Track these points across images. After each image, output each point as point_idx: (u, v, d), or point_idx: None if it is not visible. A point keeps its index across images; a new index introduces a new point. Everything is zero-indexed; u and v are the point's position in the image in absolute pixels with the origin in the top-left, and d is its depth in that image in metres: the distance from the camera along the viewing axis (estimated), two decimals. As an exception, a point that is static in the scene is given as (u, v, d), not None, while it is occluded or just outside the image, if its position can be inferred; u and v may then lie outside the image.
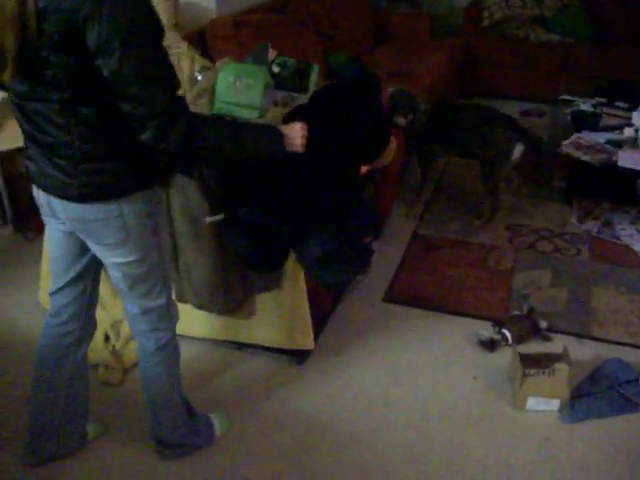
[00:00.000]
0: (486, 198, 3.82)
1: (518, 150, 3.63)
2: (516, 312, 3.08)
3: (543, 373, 2.57)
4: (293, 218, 2.36)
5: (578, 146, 3.84)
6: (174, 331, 2.24)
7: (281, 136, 1.95)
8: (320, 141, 2.13)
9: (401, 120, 3.58)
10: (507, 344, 2.89)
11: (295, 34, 4.24)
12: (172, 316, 2.21)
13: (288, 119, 2.27)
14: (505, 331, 2.90)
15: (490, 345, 2.89)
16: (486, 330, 2.94)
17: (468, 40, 5.83)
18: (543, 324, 2.98)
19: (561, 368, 2.56)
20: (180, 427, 2.35)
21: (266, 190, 2.32)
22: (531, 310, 3.03)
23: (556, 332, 3.01)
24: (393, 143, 2.72)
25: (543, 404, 2.59)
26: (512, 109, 5.42)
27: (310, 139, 2.04)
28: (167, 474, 2.38)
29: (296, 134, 1.99)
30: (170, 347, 2.23)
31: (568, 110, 4.34)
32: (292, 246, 2.45)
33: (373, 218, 2.68)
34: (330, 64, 4.42)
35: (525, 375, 2.57)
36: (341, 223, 2.39)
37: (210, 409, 2.57)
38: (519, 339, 2.90)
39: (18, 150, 3.57)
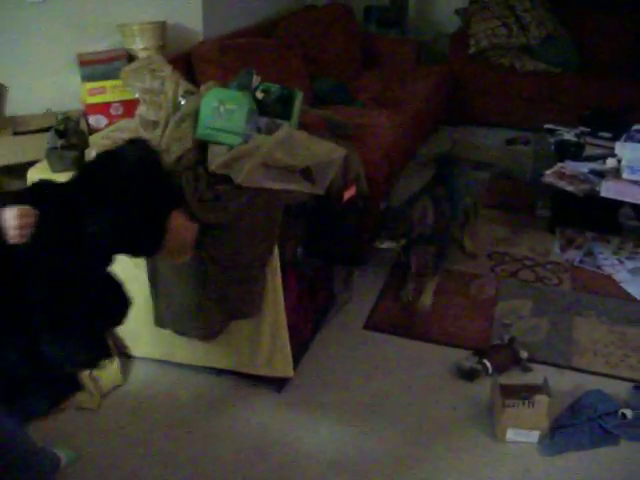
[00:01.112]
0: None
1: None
2: (497, 341, 3.07)
3: (523, 404, 2.56)
4: None
5: (561, 176, 3.85)
6: None
7: None
8: (57, 234, 1.72)
9: (389, 245, 3.18)
10: (487, 374, 2.87)
11: (282, 58, 4.24)
12: None
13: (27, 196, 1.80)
14: (485, 361, 2.88)
15: (470, 375, 2.87)
16: (467, 359, 2.92)
17: (454, 67, 5.87)
18: (524, 354, 2.97)
19: (541, 400, 2.55)
20: None
21: None
22: (512, 340, 3.03)
23: (537, 362, 2.99)
24: (183, 234, 2.03)
25: (523, 435, 2.58)
26: (498, 137, 5.48)
27: (42, 229, 1.67)
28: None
29: (10, 223, 1.64)
30: None
31: (552, 139, 4.36)
32: None
33: (97, 353, 1.90)
34: (316, 89, 4.43)
35: (505, 406, 2.55)
36: (30, 341, 1.75)
37: (184, 437, 2.54)
38: (499, 369, 2.88)
39: (2, 168, 3.57)
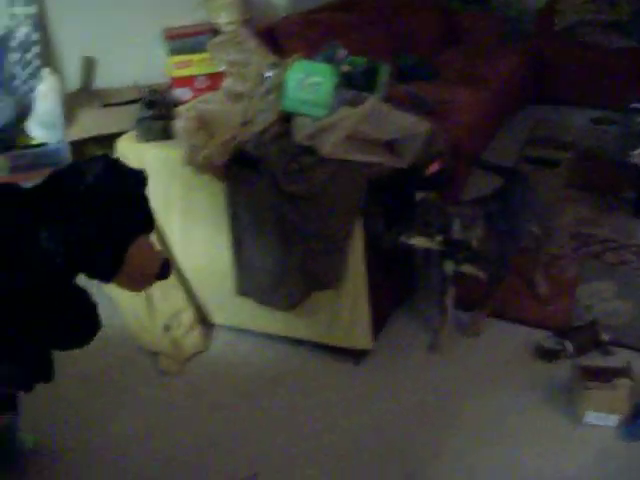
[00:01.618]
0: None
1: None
2: (579, 323, 3.01)
3: (604, 388, 2.51)
4: None
5: (649, 156, 3.74)
6: None
7: None
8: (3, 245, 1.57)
9: (422, 242, 2.69)
10: (567, 356, 2.82)
11: (365, 33, 4.23)
12: None
13: None
14: (566, 342, 2.84)
15: (549, 355, 2.83)
16: (547, 340, 2.88)
17: (539, 44, 5.72)
18: (605, 337, 2.91)
19: (623, 384, 2.49)
20: None
21: None
22: (594, 322, 2.97)
23: (618, 346, 2.93)
24: (145, 264, 1.78)
25: (602, 419, 2.53)
26: (583, 116, 5.33)
27: None
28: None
29: None
30: None
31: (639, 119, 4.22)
32: None
33: (33, 375, 1.79)
34: (399, 65, 4.39)
35: (586, 388, 2.52)
36: None
37: (267, 403, 2.59)
38: (580, 351, 2.83)
39: (89, 140, 3.67)
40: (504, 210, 2.87)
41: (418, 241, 2.66)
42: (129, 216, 1.69)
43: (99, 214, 1.61)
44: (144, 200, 1.74)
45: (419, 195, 2.74)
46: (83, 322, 1.73)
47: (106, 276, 1.69)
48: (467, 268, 2.82)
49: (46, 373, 1.78)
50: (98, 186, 1.63)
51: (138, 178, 1.74)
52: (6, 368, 1.66)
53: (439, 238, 2.64)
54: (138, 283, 1.80)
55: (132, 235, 1.68)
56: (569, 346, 2.83)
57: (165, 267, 1.82)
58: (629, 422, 2.51)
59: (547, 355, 2.84)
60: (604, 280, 3.38)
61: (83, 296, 1.72)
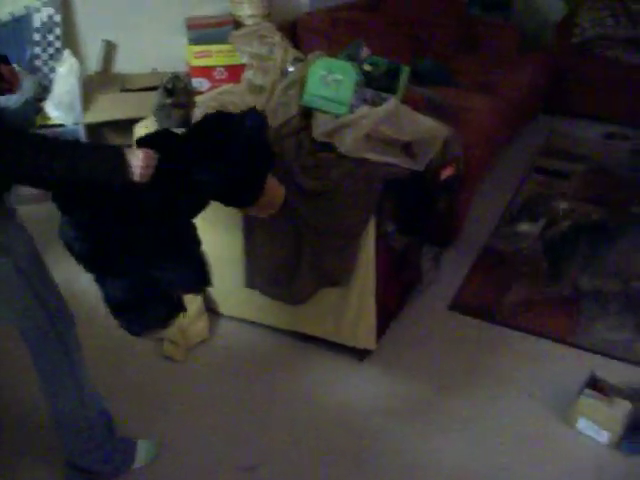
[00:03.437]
0: None
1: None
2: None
3: (601, 400, 2.53)
4: (96, 248, 1.99)
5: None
6: (67, 351, 2.09)
7: (122, 162, 1.80)
8: (170, 177, 1.92)
9: (528, 228, 3.26)
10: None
11: (387, 34, 4.24)
12: (62, 333, 2.05)
13: (148, 142, 2.00)
14: None
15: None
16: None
17: (556, 56, 5.73)
18: None
19: (622, 404, 2.50)
20: (91, 451, 2.23)
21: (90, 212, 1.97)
22: None
23: (617, 359, 2.93)
24: (274, 194, 2.29)
25: (593, 430, 2.54)
26: (596, 130, 5.34)
27: (160, 171, 1.87)
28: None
29: (136, 163, 1.81)
30: (64, 367, 2.10)
31: (654, 136, 4.25)
32: (96, 281, 2.07)
33: (200, 279, 2.16)
34: (416, 68, 4.41)
35: (582, 394, 2.55)
36: (146, 268, 2.02)
37: (269, 396, 2.61)
38: None
39: (106, 124, 3.69)
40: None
41: (526, 228, 3.29)
42: (268, 157, 2.15)
43: (251, 156, 2.04)
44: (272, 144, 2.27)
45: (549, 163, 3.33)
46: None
47: (247, 204, 2.19)
48: None
49: (208, 278, 2.15)
50: (254, 133, 2.07)
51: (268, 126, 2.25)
52: (186, 272, 2.08)
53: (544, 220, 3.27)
54: (267, 209, 2.29)
55: (267, 171, 2.15)
56: None
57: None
58: (629, 436, 2.52)
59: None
60: (609, 294, 3.39)
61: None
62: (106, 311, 2.05)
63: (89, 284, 2.08)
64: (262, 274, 2.74)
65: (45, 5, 3.60)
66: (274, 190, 2.25)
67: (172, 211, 1.97)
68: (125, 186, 1.83)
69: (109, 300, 2.05)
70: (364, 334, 2.74)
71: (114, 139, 3.84)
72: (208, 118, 2.13)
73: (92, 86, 3.72)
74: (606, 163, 4.85)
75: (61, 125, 3.50)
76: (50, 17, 3.64)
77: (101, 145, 2.13)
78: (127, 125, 3.06)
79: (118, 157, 1.80)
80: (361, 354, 2.84)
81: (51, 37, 3.65)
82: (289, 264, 2.61)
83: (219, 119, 2.10)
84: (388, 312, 2.98)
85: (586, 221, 3.46)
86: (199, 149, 1.99)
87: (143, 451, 2.39)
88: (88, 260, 1.99)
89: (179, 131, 2.18)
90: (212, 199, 2.09)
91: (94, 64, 3.91)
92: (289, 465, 2.41)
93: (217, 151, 1.98)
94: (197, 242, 2.12)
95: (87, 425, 2.18)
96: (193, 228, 2.11)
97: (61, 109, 3.51)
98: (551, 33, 6.05)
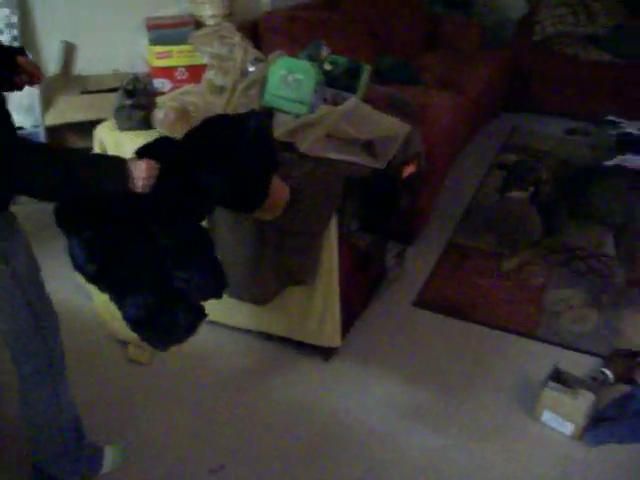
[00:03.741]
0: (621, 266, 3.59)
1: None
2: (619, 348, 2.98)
3: (565, 392, 2.56)
4: (110, 266, 1.99)
5: (621, 168, 3.81)
6: (51, 356, 2.06)
7: (124, 172, 1.79)
8: (172, 187, 1.91)
9: (518, 194, 3.46)
10: (609, 384, 2.78)
11: (347, 33, 4.25)
12: (46, 338, 2.02)
13: (147, 152, 1.98)
14: (605, 370, 2.80)
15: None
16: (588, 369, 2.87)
17: (518, 53, 5.79)
18: None
19: (585, 395, 2.54)
20: (61, 457, 2.21)
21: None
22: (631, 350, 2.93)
23: (582, 352, 2.99)
24: (279, 195, 2.27)
25: (558, 422, 2.58)
26: (558, 126, 5.40)
27: (161, 181, 1.86)
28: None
29: (139, 174, 1.81)
30: (46, 372, 2.07)
31: (614, 132, 4.30)
32: (114, 301, 2.09)
33: (220, 283, 2.18)
34: (379, 66, 4.43)
35: (546, 386, 2.58)
36: (164, 279, 2.02)
37: (235, 396, 2.60)
38: (622, 377, 2.79)
39: (66, 126, 3.65)
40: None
41: (517, 194, 3.43)
42: (272, 159, 2.15)
43: (254, 159, 2.03)
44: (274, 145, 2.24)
45: (510, 158, 3.71)
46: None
47: (254, 207, 2.16)
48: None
49: (225, 281, 2.17)
50: (256, 137, 2.05)
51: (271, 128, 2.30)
52: (205, 278, 2.08)
53: (532, 188, 3.39)
54: (273, 211, 2.26)
55: (272, 173, 2.14)
56: (609, 373, 2.80)
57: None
58: (592, 427, 2.56)
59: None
60: (572, 287, 3.44)
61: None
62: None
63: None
64: (227, 276, 2.73)
65: (0, 6, 3.55)
66: (279, 191, 2.25)
67: (180, 218, 1.97)
68: (127, 198, 1.83)
69: (128, 318, 2.05)
70: (329, 333, 2.74)
71: (75, 141, 3.80)
72: (208, 122, 2.11)
73: (52, 88, 3.67)
74: (567, 158, 4.90)
75: (20, 128, 3.46)
76: (6, 18, 3.58)
77: (103, 156, 2.12)
78: (88, 127, 3.03)
79: (120, 168, 1.80)
80: (327, 353, 2.85)
81: (8, 38, 3.59)
82: (252, 264, 2.60)
83: (220, 123, 2.09)
84: (353, 310, 2.99)
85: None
86: (203, 154, 1.98)
87: (110, 457, 2.37)
88: (100, 279, 2.00)
89: (158, 135, 2.18)
90: (218, 204, 2.11)
91: (54, 66, 3.86)
92: (255, 465, 2.40)
93: (222, 155, 1.98)
94: (211, 245, 2.13)
95: (60, 431, 2.16)
96: (204, 231, 2.14)
97: (20, 112, 3.47)
98: (512, 30, 6.11)
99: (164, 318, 2.03)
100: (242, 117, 2.11)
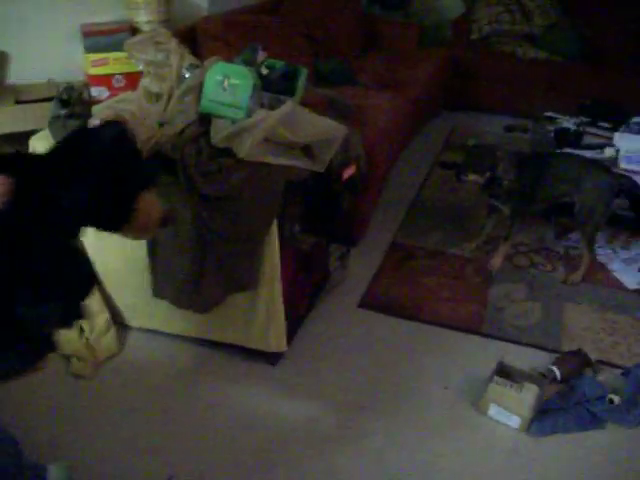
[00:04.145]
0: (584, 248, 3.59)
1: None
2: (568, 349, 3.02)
3: (510, 386, 2.60)
4: None
5: (559, 163, 3.87)
6: None
7: None
8: (29, 204, 1.72)
9: (476, 178, 3.40)
10: (556, 381, 2.82)
11: (286, 37, 4.25)
12: None
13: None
14: (553, 368, 2.84)
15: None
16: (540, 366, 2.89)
17: (455, 52, 5.87)
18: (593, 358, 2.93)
19: (530, 388, 2.58)
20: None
21: None
22: (580, 350, 2.96)
23: (525, 345, 3.04)
24: (150, 213, 1.99)
25: (504, 416, 2.61)
26: (497, 123, 5.49)
27: (17, 198, 1.69)
28: None
29: None
30: None
31: (551, 127, 4.38)
32: None
33: (72, 311, 1.93)
34: (319, 69, 4.44)
35: (491, 381, 2.62)
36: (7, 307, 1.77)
37: (182, 405, 2.57)
38: (569, 375, 2.83)
39: (3, 136, 3.56)
40: (534, 166, 3.54)
41: (474, 178, 3.39)
42: (135, 174, 1.91)
43: (112, 173, 1.81)
44: (143, 159, 2.06)
45: (471, 141, 3.72)
46: (85, 273, 1.90)
47: (117, 227, 1.91)
48: (497, 203, 3.57)
49: (81, 312, 1.91)
50: (112, 148, 1.85)
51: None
52: (43, 310, 1.79)
53: (487, 174, 3.36)
54: (142, 232, 2.03)
55: (138, 190, 1.90)
56: (557, 372, 2.83)
57: (167, 217, 2.08)
58: (537, 419, 2.60)
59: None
60: (515, 282, 3.50)
61: (82, 251, 1.92)
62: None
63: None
64: (168, 283, 2.70)
65: None
66: (149, 208, 1.97)
67: (36, 239, 1.74)
68: None
69: None
70: (274, 337, 2.73)
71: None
72: (69, 136, 1.92)
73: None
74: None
75: (-50, 141, 3.38)
76: None
77: None
78: (24, 138, 2.97)
79: None
80: (273, 358, 2.83)
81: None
82: (194, 271, 2.58)
83: (78, 136, 1.90)
84: (298, 314, 2.99)
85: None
86: (59, 170, 1.79)
87: (54, 476, 2.29)
88: None
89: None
90: (85, 223, 1.86)
91: (-15, 76, 3.78)
92: (203, 474, 2.37)
93: (78, 170, 1.79)
94: (70, 269, 1.85)
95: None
96: (67, 254, 1.85)
97: (-49, 124, 3.38)
98: (449, 30, 6.19)
99: (3, 344, 1.79)
100: (97, 130, 1.95)
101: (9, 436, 2.12)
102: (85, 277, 1.90)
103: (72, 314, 1.91)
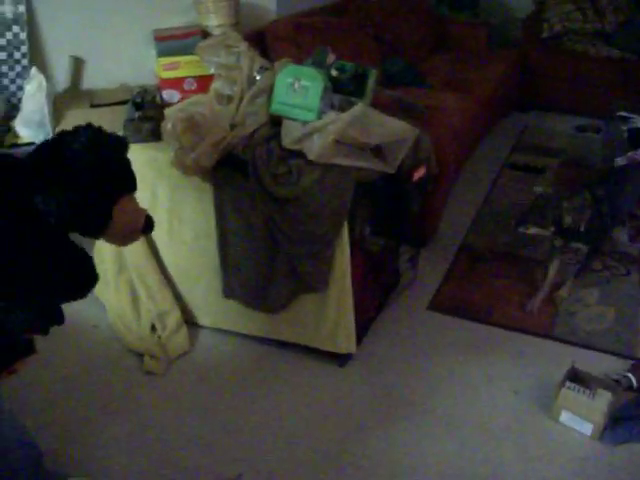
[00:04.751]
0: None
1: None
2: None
3: (583, 392, 2.55)
4: None
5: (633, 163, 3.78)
6: None
7: None
8: (8, 206, 1.72)
9: (538, 231, 3.15)
10: (632, 389, 2.75)
11: (354, 38, 4.25)
12: None
13: None
14: (629, 375, 2.78)
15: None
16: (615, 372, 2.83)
17: (526, 52, 5.77)
18: None
19: (603, 395, 2.53)
20: None
21: None
22: None
23: (599, 350, 2.97)
24: (130, 219, 1.92)
25: (577, 422, 2.56)
26: (568, 124, 5.39)
27: None
28: None
29: None
30: None
31: (625, 127, 4.27)
32: None
33: (51, 317, 1.91)
34: (386, 70, 4.42)
35: (563, 387, 2.57)
36: None
37: (251, 404, 2.59)
38: None
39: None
40: (609, 193, 3.32)
41: (536, 231, 3.12)
42: (113, 177, 1.82)
43: (87, 177, 1.74)
44: (126, 163, 1.88)
45: (537, 189, 3.41)
46: (80, 274, 1.86)
47: (96, 232, 1.85)
48: (574, 244, 3.25)
49: (58, 317, 1.89)
50: (85, 152, 1.75)
51: (120, 143, 1.87)
52: (21, 315, 1.78)
53: (552, 228, 3.10)
54: (125, 238, 1.95)
55: (117, 194, 1.83)
56: (633, 379, 2.77)
57: (148, 223, 1.98)
58: (611, 426, 2.54)
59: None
60: (587, 286, 3.42)
61: (78, 250, 1.86)
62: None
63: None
64: (239, 284, 2.74)
65: (10, 23, 3.58)
66: (131, 214, 1.91)
67: (12, 245, 1.72)
68: None
69: None
70: (344, 339, 2.74)
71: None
72: (46, 141, 1.87)
73: (61, 103, 3.69)
74: (579, 156, 4.89)
75: (31, 143, 3.47)
76: (16, 35, 3.61)
77: None
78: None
79: None
80: (342, 359, 2.84)
81: (17, 55, 3.62)
82: (265, 272, 2.60)
83: (55, 141, 1.84)
84: (367, 315, 2.99)
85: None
86: (35, 174, 1.76)
87: None
88: None
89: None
90: (57, 228, 1.80)
91: (62, 81, 3.89)
92: (272, 473, 2.40)
93: (53, 175, 1.75)
94: (53, 274, 1.82)
95: (4, 461, 2.04)
96: (45, 258, 1.80)
97: (30, 127, 3.48)
98: (519, 29, 6.09)
99: None
100: (69, 135, 1.83)
101: (30, 441, 2.13)
102: (73, 279, 1.86)
103: (50, 320, 1.88)
